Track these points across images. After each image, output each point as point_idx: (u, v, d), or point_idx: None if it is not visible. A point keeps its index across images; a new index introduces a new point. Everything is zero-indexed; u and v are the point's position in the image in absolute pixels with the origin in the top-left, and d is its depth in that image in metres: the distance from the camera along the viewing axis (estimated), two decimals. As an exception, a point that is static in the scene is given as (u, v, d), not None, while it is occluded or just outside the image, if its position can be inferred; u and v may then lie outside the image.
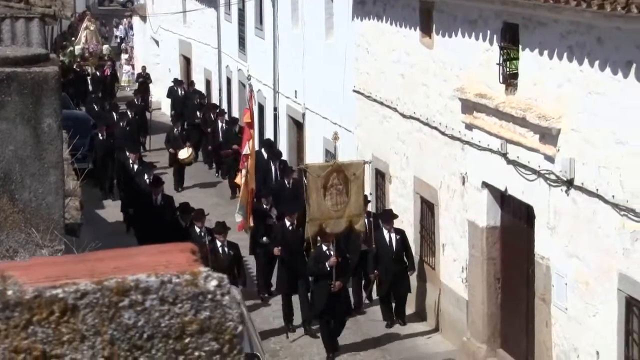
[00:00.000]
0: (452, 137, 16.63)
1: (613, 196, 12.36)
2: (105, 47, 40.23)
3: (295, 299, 17.59)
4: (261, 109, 27.81)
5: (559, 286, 13.76)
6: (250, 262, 19.54)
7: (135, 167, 23.94)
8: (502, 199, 15.63)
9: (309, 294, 17.17)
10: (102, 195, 26.21)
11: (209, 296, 2.05)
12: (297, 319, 17.58)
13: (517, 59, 14.75)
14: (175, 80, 34.40)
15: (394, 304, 17.69)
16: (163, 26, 38.13)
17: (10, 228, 7.18)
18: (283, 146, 25.82)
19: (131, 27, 46.41)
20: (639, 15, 11.40)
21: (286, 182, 21.60)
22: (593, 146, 12.82)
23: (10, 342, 2.01)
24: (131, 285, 2.05)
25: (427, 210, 18.13)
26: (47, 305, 2.02)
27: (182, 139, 27.56)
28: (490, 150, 15.35)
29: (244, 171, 18.85)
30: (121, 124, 28.31)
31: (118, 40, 50.25)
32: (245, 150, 19.06)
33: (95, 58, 38.78)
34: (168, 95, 34.84)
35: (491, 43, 15.30)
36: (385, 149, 19.42)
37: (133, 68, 42.00)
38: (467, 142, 16.12)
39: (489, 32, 15.36)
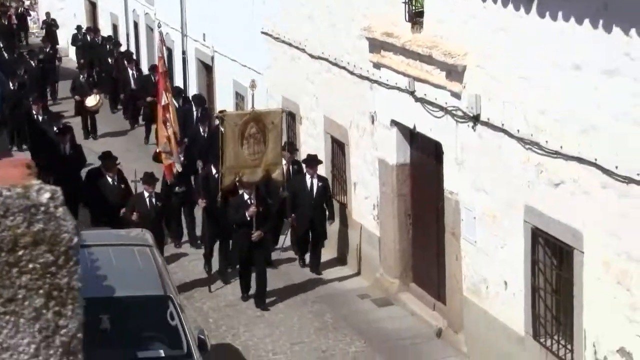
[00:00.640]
0: (361, 77, 16.74)
1: (518, 130, 12.62)
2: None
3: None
4: (170, 53, 27.54)
5: (468, 220, 14.04)
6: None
7: (40, 117, 23.53)
8: (411, 136, 15.82)
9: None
10: (10, 145, 25.76)
11: (42, 208, 2.02)
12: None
13: (422, -3, 14.86)
14: (79, 27, 33.86)
15: (309, 252, 17.66)
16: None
17: None
18: (193, 90, 25.68)
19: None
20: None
21: (201, 129, 21.23)
22: (498, 82, 13.04)
23: None
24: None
25: (338, 149, 18.28)
26: None
27: (89, 86, 27.16)
28: (398, 89, 15.50)
29: (168, 124, 18.10)
30: (21, 73, 27.67)
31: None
32: (163, 100, 18.43)
33: None
34: (73, 43, 34.27)
35: (397, -18, 15.36)
36: (295, 90, 19.47)
37: (37, 14, 41.14)
38: (376, 81, 16.25)
39: (394, -30, 15.41)
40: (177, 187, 18.63)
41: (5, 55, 30.94)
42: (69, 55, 35.46)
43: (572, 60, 11.52)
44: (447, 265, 14.72)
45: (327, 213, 17.50)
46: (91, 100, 26.35)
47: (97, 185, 18.02)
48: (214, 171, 17.44)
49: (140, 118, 27.06)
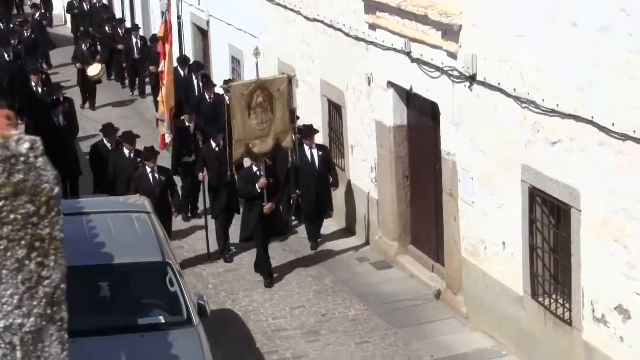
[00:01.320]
0: (357, 39, 16.66)
1: (514, 90, 12.57)
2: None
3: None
4: (164, 18, 27.42)
5: (466, 181, 14.02)
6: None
7: (40, 89, 23.11)
8: (408, 97, 15.78)
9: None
10: None
11: (22, 159, 1.99)
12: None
13: (417, -43, 14.76)
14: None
15: (311, 221, 17.27)
16: None
17: None
18: (189, 55, 25.58)
19: None
20: None
21: (207, 96, 20.81)
22: (494, 41, 12.98)
23: None
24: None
25: (335, 112, 18.23)
26: None
27: (91, 55, 26.89)
28: (395, 50, 15.43)
29: (164, 89, 17.94)
30: (15, 43, 27.20)
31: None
32: (162, 67, 18.09)
33: None
34: (68, 11, 34.08)
35: (391, -58, 15.26)
36: (291, 54, 19.39)
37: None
38: (372, 43, 16.18)
39: None
40: (186, 157, 18.35)
41: (1, 25, 30.57)
42: (66, 24, 35.25)
43: (567, 17, 11.45)
44: (445, 227, 14.72)
45: (331, 180, 17.14)
46: (93, 70, 25.94)
47: (112, 160, 17.45)
48: (213, 145, 17.11)
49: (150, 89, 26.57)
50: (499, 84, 12.90)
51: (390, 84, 15.81)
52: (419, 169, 15.85)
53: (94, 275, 11.96)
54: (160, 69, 18.27)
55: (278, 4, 19.66)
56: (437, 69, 14.30)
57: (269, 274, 15.97)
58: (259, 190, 15.68)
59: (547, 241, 12.66)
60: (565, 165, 11.77)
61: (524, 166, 12.59)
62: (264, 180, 15.64)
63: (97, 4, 32.56)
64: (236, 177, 16.68)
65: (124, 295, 12.01)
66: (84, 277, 11.69)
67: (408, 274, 15.94)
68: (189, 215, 18.71)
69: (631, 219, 10.84)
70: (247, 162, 16.67)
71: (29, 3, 39.14)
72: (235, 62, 22.90)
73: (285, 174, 17.30)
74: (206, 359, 11.12)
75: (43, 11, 32.67)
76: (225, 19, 23.14)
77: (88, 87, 26.45)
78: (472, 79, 13.51)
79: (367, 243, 17.17)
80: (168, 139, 17.80)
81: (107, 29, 29.15)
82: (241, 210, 16.48)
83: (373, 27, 16.04)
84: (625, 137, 10.76)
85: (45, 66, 29.17)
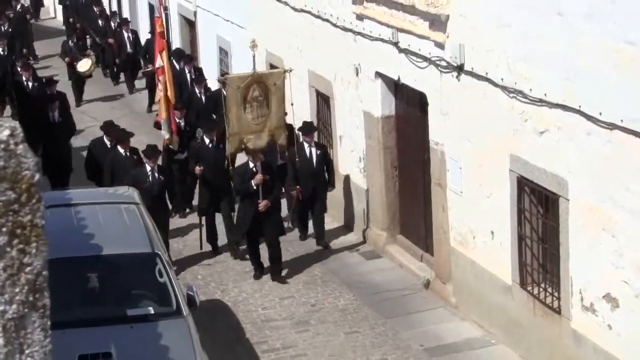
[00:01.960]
0: (344, 29, 16.65)
1: (502, 79, 12.59)
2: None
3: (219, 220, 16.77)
4: (151, 9, 27.38)
5: (454, 170, 14.04)
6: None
7: (30, 84, 22.85)
8: (396, 87, 15.78)
9: (233, 214, 16.37)
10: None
11: (2, 146, 1.99)
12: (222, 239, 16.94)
13: (404, -53, 14.74)
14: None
15: (310, 221, 17.07)
16: None
17: None
18: (176, 46, 25.52)
19: None
20: None
21: (197, 90, 20.40)
22: (481, 30, 12.98)
23: None
24: None
25: (323, 103, 18.23)
26: None
27: (78, 50, 26.69)
28: (382, 40, 15.43)
29: (160, 86, 17.65)
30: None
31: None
32: (158, 62, 17.69)
33: None
34: (60, 2, 33.93)
35: None
36: (278, 44, 19.38)
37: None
38: (359, 33, 16.17)
39: None
40: (178, 154, 18.03)
41: None
42: (56, 16, 35.09)
43: (553, 6, 11.46)
44: (434, 217, 14.74)
45: (327, 179, 16.94)
46: (83, 65, 25.52)
47: (108, 158, 17.13)
48: (207, 141, 16.75)
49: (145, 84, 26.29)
50: (487, 73, 12.91)
51: (378, 74, 15.81)
52: (408, 159, 15.87)
53: (82, 267, 11.96)
54: (157, 66, 17.95)
55: (266, -5, 19.63)
56: (425, 59, 14.30)
57: (259, 266, 15.94)
58: (255, 187, 15.39)
59: (535, 230, 12.69)
60: (553, 154, 11.79)
61: (512, 156, 12.60)
62: (260, 177, 15.33)
63: None
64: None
65: (112, 286, 12.01)
66: (73, 268, 11.70)
67: (397, 263, 15.97)
68: (186, 211, 18.47)
69: (619, 207, 10.87)
70: (240, 159, 16.46)
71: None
72: (223, 53, 22.86)
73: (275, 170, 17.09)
74: (195, 349, 11.12)
75: (26, 4, 32.44)
76: (212, 9, 23.10)
77: (79, 82, 26.04)
78: (460, 68, 13.51)
79: (355, 233, 17.17)
80: (164, 134, 17.56)
81: (99, 22, 28.82)
82: (236, 208, 16.25)
83: (360, 17, 16.03)
84: (612, 126, 10.78)
85: (31, 60, 29.04)
